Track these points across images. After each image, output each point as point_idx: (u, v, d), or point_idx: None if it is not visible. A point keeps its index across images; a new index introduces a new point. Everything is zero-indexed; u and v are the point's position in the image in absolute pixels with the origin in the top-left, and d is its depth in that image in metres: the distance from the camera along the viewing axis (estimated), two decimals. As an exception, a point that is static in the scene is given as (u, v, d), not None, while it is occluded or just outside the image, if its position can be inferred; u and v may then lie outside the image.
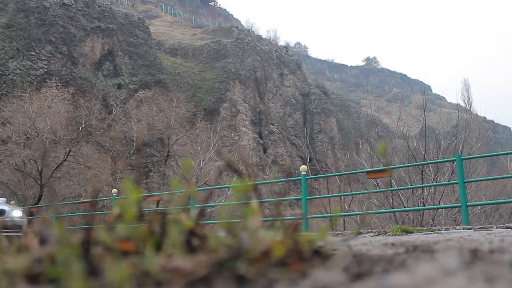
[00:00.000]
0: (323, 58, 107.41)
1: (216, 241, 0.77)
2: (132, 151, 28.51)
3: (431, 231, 5.60)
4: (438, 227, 7.00)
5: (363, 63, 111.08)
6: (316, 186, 20.17)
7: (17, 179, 20.67)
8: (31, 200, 18.87)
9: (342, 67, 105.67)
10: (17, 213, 8.72)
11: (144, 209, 0.86)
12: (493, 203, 13.44)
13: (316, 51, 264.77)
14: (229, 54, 45.31)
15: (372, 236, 5.21)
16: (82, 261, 0.64)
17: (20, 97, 23.46)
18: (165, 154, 28.08)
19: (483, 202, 13.40)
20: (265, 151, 43.59)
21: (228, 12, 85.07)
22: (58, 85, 25.93)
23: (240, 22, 78.28)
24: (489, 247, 1.24)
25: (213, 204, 12.84)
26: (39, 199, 19.18)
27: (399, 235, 5.09)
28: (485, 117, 55.84)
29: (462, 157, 7.75)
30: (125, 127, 28.46)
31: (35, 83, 27.92)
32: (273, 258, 0.73)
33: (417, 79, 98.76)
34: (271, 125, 45.53)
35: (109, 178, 22.56)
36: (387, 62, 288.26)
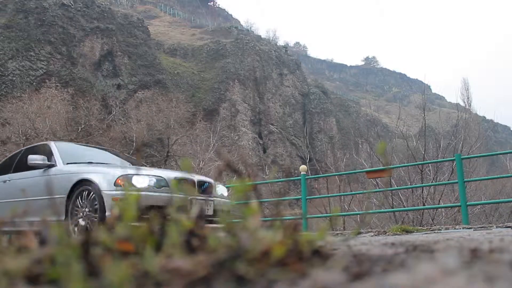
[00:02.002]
0: (323, 58, 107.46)
1: (215, 242, 0.77)
2: (131, 152, 28.50)
3: (431, 230, 5.61)
4: (438, 226, 7.00)
5: (363, 63, 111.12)
6: (316, 186, 20.17)
7: (16, 180, 20.62)
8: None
9: (341, 67, 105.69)
10: (223, 191, 5.95)
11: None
12: (492, 203, 13.45)
13: (316, 51, 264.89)
14: (229, 54, 45.32)
15: (372, 236, 5.21)
16: (82, 261, 0.64)
17: (20, 97, 23.45)
18: (165, 154, 28.10)
19: (482, 201, 13.41)
20: (264, 151, 43.60)
21: (227, 12, 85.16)
22: (57, 86, 25.94)
23: (239, 22, 78.30)
24: (489, 246, 1.24)
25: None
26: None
27: (398, 234, 5.09)
28: (484, 117, 55.90)
29: (461, 157, 7.75)
30: (124, 127, 28.46)
31: (34, 83, 27.92)
32: (273, 258, 0.73)
33: (417, 79, 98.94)
34: (270, 125, 45.54)
35: (108, 179, 22.52)
36: (386, 62, 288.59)
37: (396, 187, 12.15)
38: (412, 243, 1.40)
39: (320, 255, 0.83)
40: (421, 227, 7.09)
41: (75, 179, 5.02)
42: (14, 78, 27.93)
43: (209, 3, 77.05)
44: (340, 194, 14.59)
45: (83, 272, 0.62)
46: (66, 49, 31.78)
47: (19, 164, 6.43)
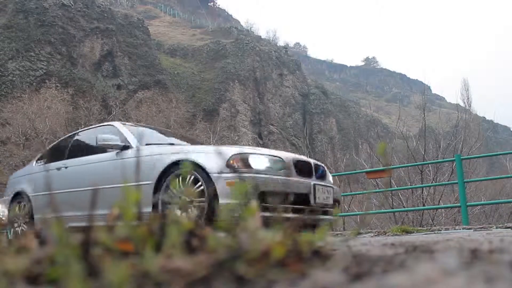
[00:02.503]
0: (323, 58, 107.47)
1: (215, 242, 0.77)
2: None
3: (431, 231, 5.61)
4: (438, 227, 7.00)
5: (363, 63, 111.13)
6: (316, 187, 20.10)
7: (16, 180, 20.64)
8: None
9: (341, 67, 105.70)
10: (330, 177, 4.92)
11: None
12: (492, 203, 13.44)
13: (316, 51, 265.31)
14: (229, 54, 45.33)
15: (371, 236, 5.21)
16: (82, 261, 0.64)
17: (20, 98, 23.46)
18: (165, 154, 28.03)
19: (482, 202, 13.40)
20: (264, 152, 43.55)
21: (227, 13, 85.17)
22: (57, 86, 25.94)
23: (239, 22, 78.34)
24: (488, 247, 1.24)
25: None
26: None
27: (398, 235, 5.09)
28: (484, 117, 55.92)
29: (461, 157, 7.75)
30: (124, 127, 28.40)
31: (34, 84, 27.92)
32: (272, 259, 0.73)
33: (417, 79, 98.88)
34: (270, 126, 45.55)
35: (108, 179, 22.52)
36: (386, 62, 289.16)
37: (396, 188, 12.15)
38: (412, 244, 1.40)
39: (320, 256, 0.83)
40: (421, 228, 7.09)
41: (167, 161, 4.08)
42: (14, 78, 27.93)
43: (209, 4, 77.07)
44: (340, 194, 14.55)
45: (83, 272, 0.62)
46: (66, 49, 31.79)
47: (74, 148, 5.60)
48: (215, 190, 3.70)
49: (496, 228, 5.47)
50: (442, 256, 0.90)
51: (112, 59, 35.26)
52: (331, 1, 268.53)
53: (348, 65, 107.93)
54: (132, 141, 4.76)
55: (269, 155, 4.03)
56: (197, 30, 55.36)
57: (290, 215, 3.71)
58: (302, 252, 0.80)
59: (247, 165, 3.81)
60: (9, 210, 5.89)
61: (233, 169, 3.76)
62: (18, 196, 5.88)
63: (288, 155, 4.23)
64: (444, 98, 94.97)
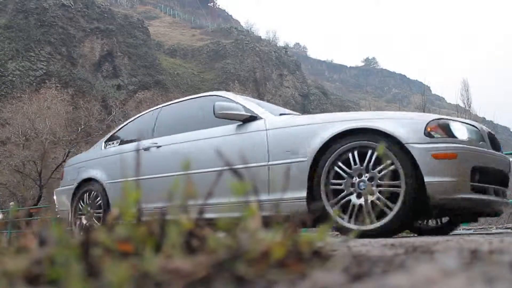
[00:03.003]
0: (322, 59, 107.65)
1: (215, 242, 0.76)
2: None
3: (431, 231, 5.59)
4: (438, 227, 6.98)
5: (363, 64, 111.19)
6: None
7: (16, 180, 20.66)
8: (30, 201, 18.86)
9: (341, 68, 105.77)
10: None
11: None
12: (492, 204, 13.41)
13: (315, 52, 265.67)
14: (229, 55, 45.37)
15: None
16: (82, 262, 0.64)
17: (20, 98, 23.47)
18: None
19: (482, 202, 13.38)
20: (264, 152, 43.59)
21: (227, 13, 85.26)
22: (57, 86, 25.95)
23: (239, 22, 78.41)
24: (488, 247, 1.24)
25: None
26: (38, 200, 19.17)
27: (398, 235, 5.08)
28: (484, 118, 55.85)
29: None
30: (124, 128, 28.37)
31: (34, 84, 27.93)
32: (272, 259, 0.73)
33: (417, 80, 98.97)
34: (270, 126, 45.62)
35: (108, 179, 22.51)
36: (386, 63, 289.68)
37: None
38: (412, 244, 1.40)
39: (319, 256, 0.83)
40: (420, 228, 7.07)
41: (332, 131, 3.15)
42: (14, 78, 27.94)
43: (209, 4, 77.12)
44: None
45: (83, 272, 0.62)
46: (66, 49, 31.80)
47: (164, 124, 4.58)
48: (415, 165, 2.87)
49: (496, 228, 5.47)
50: (442, 257, 0.90)
51: (112, 60, 35.27)
52: (331, 1, 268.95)
53: (348, 66, 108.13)
54: (260, 111, 3.77)
55: (467, 123, 3.26)
56: (197, 30, 55.40)
57: (492, 198, 3.11)
58: (302, 253, 0.80)
59: (449, 134, 3.02)
60: (73, 202, 4.92)
61: (434, 139, 2.96)
62: (84, 185, 4.91)
63: (481, 125, 3.43)
64: (444, 98, 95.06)
